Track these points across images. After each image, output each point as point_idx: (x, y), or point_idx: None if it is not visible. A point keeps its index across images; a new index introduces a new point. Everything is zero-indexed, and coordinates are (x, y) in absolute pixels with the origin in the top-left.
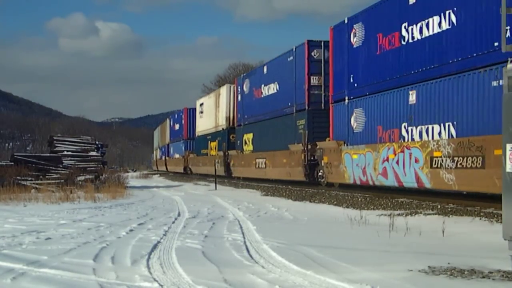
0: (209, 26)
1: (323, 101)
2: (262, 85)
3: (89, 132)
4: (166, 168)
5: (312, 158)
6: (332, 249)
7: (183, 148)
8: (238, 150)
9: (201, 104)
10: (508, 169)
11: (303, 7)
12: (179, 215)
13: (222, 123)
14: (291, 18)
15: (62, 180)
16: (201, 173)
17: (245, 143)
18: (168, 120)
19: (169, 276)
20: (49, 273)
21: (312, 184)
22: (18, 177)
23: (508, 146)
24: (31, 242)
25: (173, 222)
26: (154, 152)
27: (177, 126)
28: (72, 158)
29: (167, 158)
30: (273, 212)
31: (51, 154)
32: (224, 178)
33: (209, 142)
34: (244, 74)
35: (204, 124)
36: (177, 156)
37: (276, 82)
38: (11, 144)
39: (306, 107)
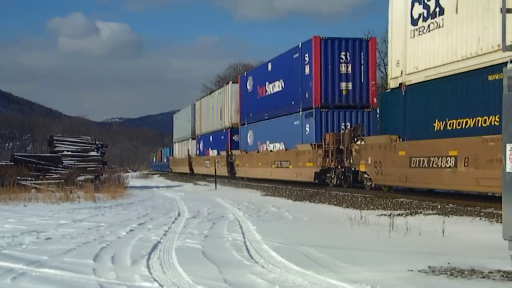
0: (210, 26)
1: None
2: None
3: (89, 132)
4: (231, 171)
5: None
6: (332, 249)
7: (310, 127)
8: None
9: None
10: (508, 169)
11: (304, 7)
12: (179, 215)
13: None
14: (292, 18)
15: (62, 180)
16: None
17: None
18: (228, 87)
19: (169, 276)
20: (49, 273)
21: None
22: (18, 177)
23: (508, 146)
24: (31, 242)
25: (173, 222)
26: (176, 146)
27: (274, 87)
28: (72, 158)
29: (234, 153)
30: (273, 212)
31: (51, 154)
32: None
33: None
34: None
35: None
36: (275, 147)
37: None
38: (11, 144)
39: None
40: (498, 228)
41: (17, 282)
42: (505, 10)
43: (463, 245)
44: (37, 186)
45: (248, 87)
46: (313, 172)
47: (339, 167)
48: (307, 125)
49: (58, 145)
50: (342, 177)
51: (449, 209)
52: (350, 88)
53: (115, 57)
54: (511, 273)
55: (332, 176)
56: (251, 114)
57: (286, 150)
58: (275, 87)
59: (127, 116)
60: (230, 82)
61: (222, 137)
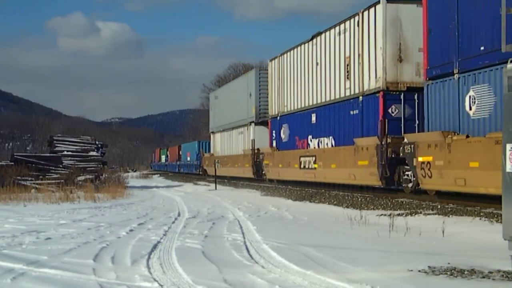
0: (209, 25)
1: None
2: None
3: (89, 132)
4: (391, 178)
5: None
6: (332, 249)
7: None
8: None
9: None
10: (508, 169)
11: (304, 6)
12: (179, 215)
13: None
14: (292, 18)
15: (62, 180)
16: None
17: None
18: (377, 11)
19: (169, 276)
20: (49, 273)
21: None
22: (18, 177)
23: (508, 146)
24: (31, 242)
25: (173, 222)
26: (217, 137)
27: None
28: (72, 158)
29: (411, 139)
30: (273, 212)
31: (51, 154)
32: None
33: None
34: None
35: None
36: None
37: None
38: (11, 144)
39: None
40: (498, 228)
41: (17, 282)
42: (505, 10)
43: (463, 245)
44: (37, 186)
45: None
46: None
47: None
48: None
49: (58, 145)
50: None
51: (449, 209)
52: None
53: (115, 57)
54: (511, 273)
55: None
56: (482, 48)
57: None
58: None
59: (127, 116)
60: (383, 1)
61: (355, 111)
